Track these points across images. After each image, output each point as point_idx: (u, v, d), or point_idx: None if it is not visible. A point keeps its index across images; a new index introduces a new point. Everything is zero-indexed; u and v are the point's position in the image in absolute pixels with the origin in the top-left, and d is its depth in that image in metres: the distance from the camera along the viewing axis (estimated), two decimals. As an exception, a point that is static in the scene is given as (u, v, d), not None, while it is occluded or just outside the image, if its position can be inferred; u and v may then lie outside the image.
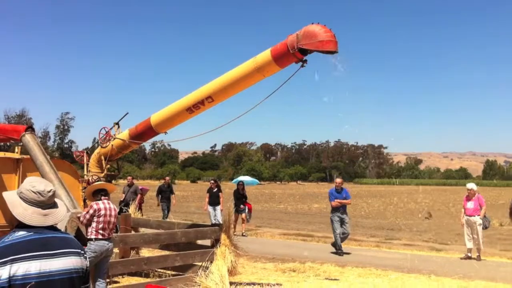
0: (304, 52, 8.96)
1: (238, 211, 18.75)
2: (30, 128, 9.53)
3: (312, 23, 8.84)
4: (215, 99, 10.31)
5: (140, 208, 20.24)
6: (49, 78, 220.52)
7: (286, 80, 9.61)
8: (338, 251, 14.76)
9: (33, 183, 2.93)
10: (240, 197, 19.25)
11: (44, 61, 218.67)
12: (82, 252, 3.01)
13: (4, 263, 2.66)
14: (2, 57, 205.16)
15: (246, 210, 19.17)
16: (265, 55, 9.43)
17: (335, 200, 14.96)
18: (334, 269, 12.36)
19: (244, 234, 18.58)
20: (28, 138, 9.22)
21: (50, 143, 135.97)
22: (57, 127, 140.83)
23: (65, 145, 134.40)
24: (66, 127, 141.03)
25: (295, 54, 8.97)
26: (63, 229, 8.00)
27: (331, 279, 11.20)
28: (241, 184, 19.93)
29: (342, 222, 14.79)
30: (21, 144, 9.60)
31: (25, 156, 9.92)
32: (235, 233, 18.52)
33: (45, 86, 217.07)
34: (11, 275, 2.65)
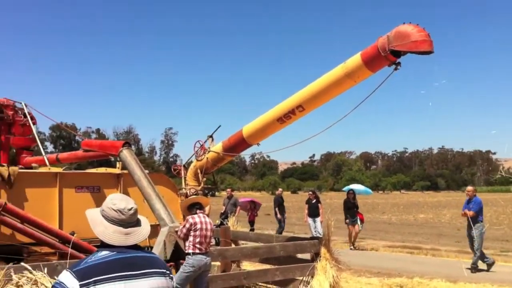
0: (397, 54, 8.44)
1: (349, 222, 17.88)
2: (127, 144, 9.71)
3: (404, 23, 8.30)
4: (306, 108, 10.03)
5: (252, 222, 20.26)
6: (153, 95, 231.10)
7: (379, 84, 9.09)
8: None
9: (114, 201, 2.80)
10: (351, 206, 18.26)
11: (147, 79, 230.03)
12: (168, 272, 2.85)
13: (87, 285, 2.55)
14: (111, 77, 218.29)
15: (358, 221, 18.10)
16: (355, 59, 9.00)
17: (464, 210, 13.63)
18: (445, 285, 11.50)
19: (354, 247, 17.87)
20: (125, 153, 9.39)
21: (156, 157, 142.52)
22: (162, 142, 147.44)
23: (170, 159, 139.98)
24: (170, 142, 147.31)
25: (387, 57, 8.46)
26: (161, 244, 8.05)
27: (443, 296, 10.38)
28: (351, 193, 18.86)
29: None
30: (120, 159, 9.82)
31: (125, 171, 10.13)
32: (351, 247, 18.16)
33: (149, 102, 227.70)
34: None
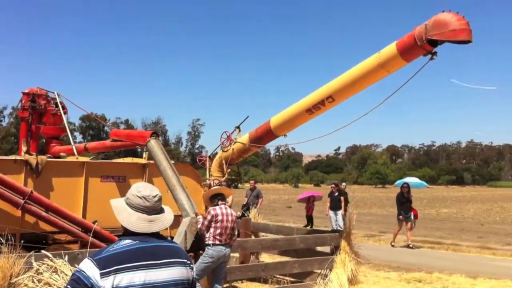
0: (434, 43, 8.33)
1: (402, 218, 16.78)
2: (155, 134, 9.85)
3: (443, 11, 8.17)
4: (336, 98, 9.92)
5: (310, 217, 19.68)
6: (182, 85, 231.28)
7: (413, 75, 8.91)
8: None
9: (139, 188, 2.85)
10: (404, 201, 17.12)
11: (178, 68, 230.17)
12: (189, 262, 2.90)
13: (108, 274, 2.59)
14: (141, 68, 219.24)
15: (412, 217, 16.95)
16: (390, 49, 8.90)
17: None
18: (465, 280, 11.46)
19: (410, 245, 16.67)
20: (152, 143, 9.55)
21: (182, 148, 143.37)
22: (189, 133, 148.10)
23: (196, 151, 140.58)
24: (197, 133, 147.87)
25: (423, 46, 8.33)
26: (182, 234, 8.23)
27: (462, 292, 10.39)
28: (405, 187, 17.55)
29: None
30: (147, 149, 9.98)
31: (151, 162, 10.29)
32: (392, 243, 17.26)
33: (178, 93, 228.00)
34: (114, 285, 2.59)
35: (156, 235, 2.83)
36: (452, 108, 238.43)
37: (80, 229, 9.03)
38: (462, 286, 10.91)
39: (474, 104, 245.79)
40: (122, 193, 10.05)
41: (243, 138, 12.21)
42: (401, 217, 16.98)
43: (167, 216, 2.90)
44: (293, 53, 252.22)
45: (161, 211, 2.88)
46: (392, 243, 17.36)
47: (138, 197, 2.80)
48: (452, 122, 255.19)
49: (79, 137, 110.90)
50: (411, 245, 16.70)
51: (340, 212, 18.53)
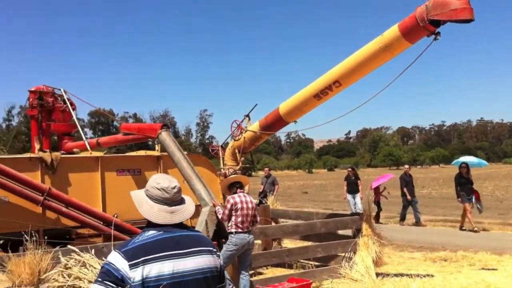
0: (436, 23, 8.18)
1: (465, 199, 15.60)
2: (165, 126, 9.79)
3: None
4: (342, 83, 9.93)
5: (378, 203, 19.00)
6: (188, 78, 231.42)
7: (418, 56, 8.93)
8: None
9: (157, 180, 2.79)
10: (464, 182, 16.04)
11: (181, 62, 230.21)
12: (215, 250, 2.83)
13: (136, 265, 2.54)
14: (145, 62, 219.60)
15: (474, 200, 15.75)
16: (392, 31, 8.79)
17: None
18: (491, 257, 11.27)
19: (474, 230, 15.29)
20: (164, 135, 9.48)
21: (192, 139, 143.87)
22: (198, 124, 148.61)
23: (206, 141, 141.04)
24: (205, 124, 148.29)
25: (426, 27, 8.24)
26: (203, 224, 8.13)
27: (488, 269, 10.19)
28: (464, 167, 16.29)
29: None
30: (158, 142, 9.91)
31: (164, 153, 10.24)
32: (463, 227, 15.75)
33: (184, 85, 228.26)
34: (144, 276, 2.53)
35: (179, 225, 2.78)
36: (460, 87, 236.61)
37: (101, 223, 9.02)
38: (488, 263, 10.73)
39: (483, 82, 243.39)
40: (139, 185, 10.00)
41: (254, 126, 12.20)
42: (460, 199, 15.84)
43: (189, 207, 2.85)
44: (300, 39, 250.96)
45: (181, 201, 2.83)
46: (463, 227, 16.03)
47: (157, 188, 2.76)
48: (461, 101, 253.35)
49: (89, 133, 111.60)
50: (475, 229, 15.32)
51: (358, 195, 18.35)
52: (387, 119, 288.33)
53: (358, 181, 18.78)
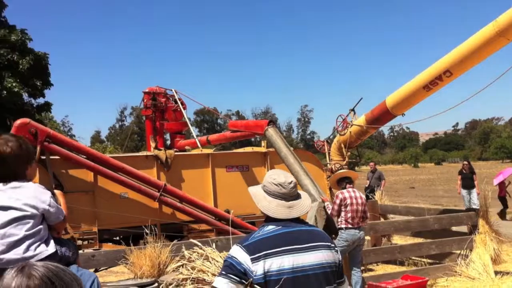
0: None
1: None
2: (272, 122, 9.90)
3: None
4: (454, 72, 9.49)
5: (503, 199, 18.24)
6: (288, 73, 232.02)
7: None
8: None
9: (274, 176, 2.87)
10: None
11: (279, 58, 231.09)
12: (333, 245, 2.85)
13: (258, 259, 2.62)
14: (246, 60, 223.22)
15: None
16: (509, 15, 8.22)
17: None
18: None
19: None
20: (271, 131, 9.58)
21: (294, 135, 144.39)
22: (299, 120, 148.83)
23: (308, 137, 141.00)
24: (306, 119, 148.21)
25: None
26: (312, 219, 8.14)
27: None
28: None
29: None
30: (265, 138, 10.05)
31: (270, 150, 10.37)
32: None
33: (285, 81, 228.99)
34: (265, 270, 2.60)
35: (297, 220, 2.83)
36: None
37: (213, 218, 9.34)
38: None
39: None
40: (247, 181, 10.22)
41: (360, 120, 12.03)
42: None
43: (305, 202, 2.89)
44: (405, 30, 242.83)
45: (298, 196, 2.88)
46: None
47: (274, 184, 2.82)
48: None
49: (195, 131, 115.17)
50: None
51: (474, 191, 17.39)
52: (498, 109, 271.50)
53: (474, 175, 17.85)
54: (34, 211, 2.45)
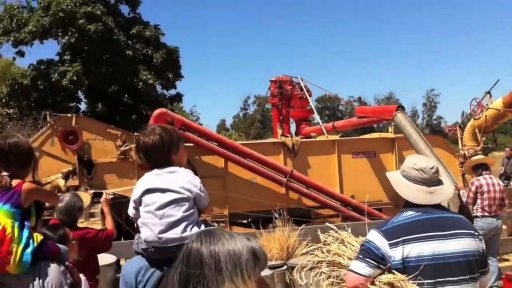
0: None
1: None
2: (401, 107, 9.67)
3: None
4: None
5: None
6: (412, 56, 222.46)
7: None
8: None
9: (415, 160, 2.82)
10: None
11: (402, 40, 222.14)
12: (477, 233, 2.75)
13: (396, 244, 2.60)
14: (367, 44, 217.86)
15: None
16: None
17: None
18: None
19: None
20: (400, 117, 9.36)
21: (419, 121, 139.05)
22: (424, 104, 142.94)
23: (434, 122, 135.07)
24: (432, 104, 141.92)
25: None
26: (446, 206, 7.88)
27: None
28: None
29: None
30: (393, 124, 9.83)
31: (398, 135, 10.15)
32: None
33: (409, 65, 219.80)
34: (404, 256, 2.58)
35: (438, 206, 2.76)
36: None
37: (339, 204, 9.35)
38: None
39: None
40: (373, 168, 10.10)
41: (496, 103, 11.39)
42: None
43: (447, 188, 2.82)
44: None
45: (439, 182, 2.80)
46: None
47: (415, 169, 2.76)
48: None
49: (316, 118, 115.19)
50: None
51: None
52: None
53: None
54: (189, 194, 2.63)
